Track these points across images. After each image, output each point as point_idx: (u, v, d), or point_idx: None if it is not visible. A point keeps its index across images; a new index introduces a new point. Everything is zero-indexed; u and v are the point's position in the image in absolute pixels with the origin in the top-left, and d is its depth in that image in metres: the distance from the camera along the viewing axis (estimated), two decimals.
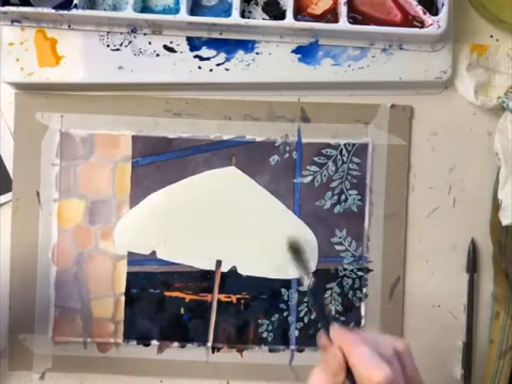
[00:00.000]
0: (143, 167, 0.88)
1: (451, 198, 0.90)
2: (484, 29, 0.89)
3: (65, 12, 0.84)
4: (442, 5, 0.83)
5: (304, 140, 0.88)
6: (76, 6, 0.84)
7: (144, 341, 0.89)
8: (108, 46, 0.87)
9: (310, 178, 0.88)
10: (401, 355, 0.67)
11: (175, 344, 0.89)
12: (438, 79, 0.87)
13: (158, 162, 0.88)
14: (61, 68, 0.87)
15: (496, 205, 0.87)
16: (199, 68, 0.87)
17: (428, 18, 0.84)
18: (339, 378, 0.65)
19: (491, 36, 0.89)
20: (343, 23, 0.84)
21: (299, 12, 0.87)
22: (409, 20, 0.85)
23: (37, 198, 0.88)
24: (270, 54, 0.87)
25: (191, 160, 0.88)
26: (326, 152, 0.88)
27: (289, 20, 0.84)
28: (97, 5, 0.88)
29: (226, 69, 0.87)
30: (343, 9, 0.84)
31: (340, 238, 0.88)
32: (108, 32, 0.87)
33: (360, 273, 0.88)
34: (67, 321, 0.89)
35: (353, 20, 0.85)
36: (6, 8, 0.84)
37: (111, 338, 0.89)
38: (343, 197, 0.88)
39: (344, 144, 0.88)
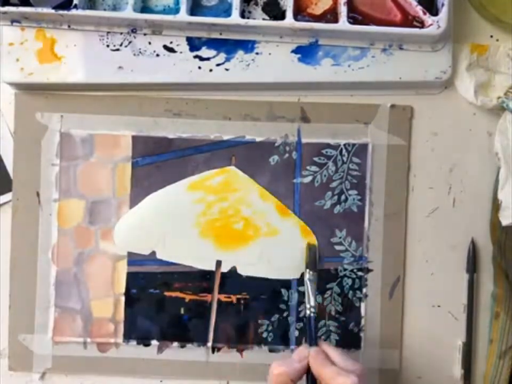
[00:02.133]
0: (143, 167, 0.88)
1: (451, 198, 0.90)
2: (484, 29, 0.89)
3: (65, 12, 0.84)
4: (442, 5, 0.83)
5: (304, 140, 0.88)
6: (75, 6, 0.84)
7: (144, 341, 0.89)
8: (108, 46, 0.87)
9: (310, 178, 0.88)
10: (365, 377, 0.75)
11: (175, 344, 0.89)
12: (438, 79, 0.87)
13: (158, 162, 0.88)
14: (61, 68, 0.87)
15: (496, 205, 0.87)
16: (199, 68, 0.87)
17: (428, 19, 0.84)
18: (301, 367, 0.75)
19: (491, 36, 0.89)
20: (343, 23, 0.84)
21: (299, 12, 0.87)
22: (409, 20, 0.85)
23: (37, 198, 0.88)
24: (270, 54, 0.87)
25: (191, 160, 0.88)
26: (326, 152, 0.88)
27: (289, 20, 0.84)
28: (97, 5, 0.88)
29: (226, 69, 0.87)
30: (343, 9, 0.84)
31: (339, 238, 0.88)
32: (108, 32, 0.87)
33: (360, 273, 0.88)
34: (67, 321, 0.89)
35: (353, 20, 0.85)
36: (6, 8, 0.84)
37: (111, 338, 0.89)
38: (343, 197, 0.88)
39: (344, 144, 0.88)
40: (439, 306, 0.89)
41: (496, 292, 0.89)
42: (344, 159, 0.88)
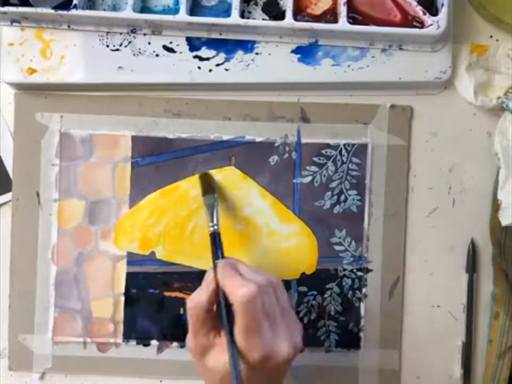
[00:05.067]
0: (142, 167, 0.88)
1: (451, 198, 0.90)
2: (483, 29, 0.89)
3: (65, 12, 0.84)
4: (442, 5, 0.83)
5: (303, 140, 0.88)
6: (75, 6, 0.84)
7: (144, 341, 0.89)
8: (108, 46, 0.87)
9: (309, 178, 0.88)
10: (276, 287, 0.75)
11: (175, 344, 0.89)
12: (437, 80, 0.87)
13: (158, 162, 0.88)
14: (61, 68, 0.87)
15: (496, 205, 0.87)
16: (199, 68, 0.87)
17: (428, 19, 0.84)
18: (210, 291, 0.74)
19: (491, 36, 0.89)
20: (343, 24, 0.84)
21: (299, 12, 0.87)
22: (409, 20, 0.85)
23: (37, 198, 0.89)
24: (269, 54, 0.87)
25: (191, 160, 0.88)
26: (326, 152, 0.88)
27: (288, 20, 0.84)
28: (96, 5, 0.88)
29: (226, 69, 0.87)
30: (342, 10, 0.84)
31: (339, 238, 0.88)
32: (108, 33, 0.87)
33: (359, 273, 0.88)
34: (67, 321, 0.89)
35: (352, 20, 0.85)
36: (6, 9, 0.84)
37: (110, 338, 0.89)
38: (342, 197, 0.88)
39: (344, 145, 0.88)
40: (438, 306, 0.89)
41: (496, 292, 0.89)
42: (344, 159, 0.88)
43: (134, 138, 0.89)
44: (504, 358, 0.88)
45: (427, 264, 0.89)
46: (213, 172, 0.88)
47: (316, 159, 0.88)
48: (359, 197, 0.88)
